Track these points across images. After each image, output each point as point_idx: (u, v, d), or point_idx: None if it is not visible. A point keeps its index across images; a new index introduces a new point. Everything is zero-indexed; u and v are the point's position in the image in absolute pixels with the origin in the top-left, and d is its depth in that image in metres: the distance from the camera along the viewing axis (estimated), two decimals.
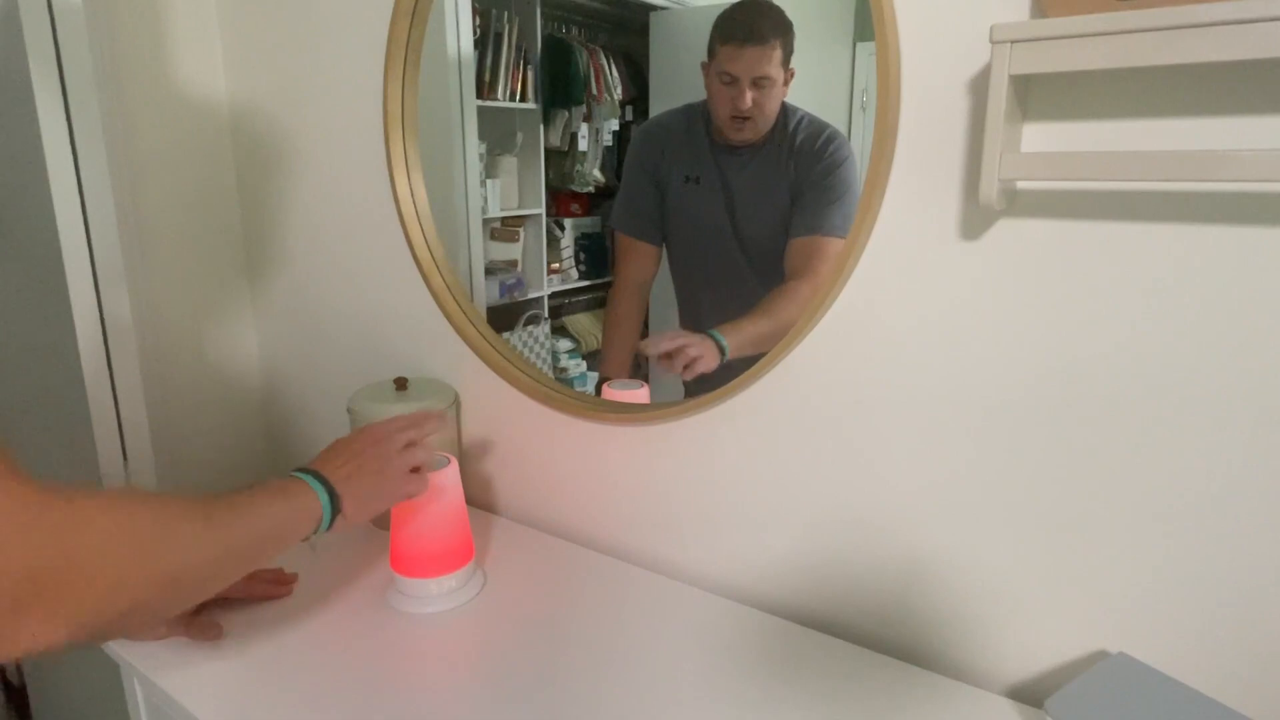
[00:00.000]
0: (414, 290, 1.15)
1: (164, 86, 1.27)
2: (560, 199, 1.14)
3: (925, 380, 0.77)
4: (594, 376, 1.12)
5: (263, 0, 1.25)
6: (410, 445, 0.84)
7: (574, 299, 1.18)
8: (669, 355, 0.95)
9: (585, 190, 1.12)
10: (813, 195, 0.85)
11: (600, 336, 1.10)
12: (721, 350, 0.91)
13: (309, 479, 0.76)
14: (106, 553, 0.55)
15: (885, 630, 0.86)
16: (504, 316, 1.14)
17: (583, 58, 1.07)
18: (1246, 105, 0.59)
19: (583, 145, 1.08)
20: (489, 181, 1.14)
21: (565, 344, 1.16)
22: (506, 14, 1.08)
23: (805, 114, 0.84)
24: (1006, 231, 0.71)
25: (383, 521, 1.05)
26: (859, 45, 0.78)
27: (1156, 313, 0.66)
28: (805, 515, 0.88)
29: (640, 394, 1.03)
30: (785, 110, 0.85)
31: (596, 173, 1.10)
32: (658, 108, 0.96)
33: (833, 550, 0.87)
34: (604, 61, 1.06)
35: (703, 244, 0.97)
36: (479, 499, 1.19)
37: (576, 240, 1.17)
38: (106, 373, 1.23)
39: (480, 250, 1.15)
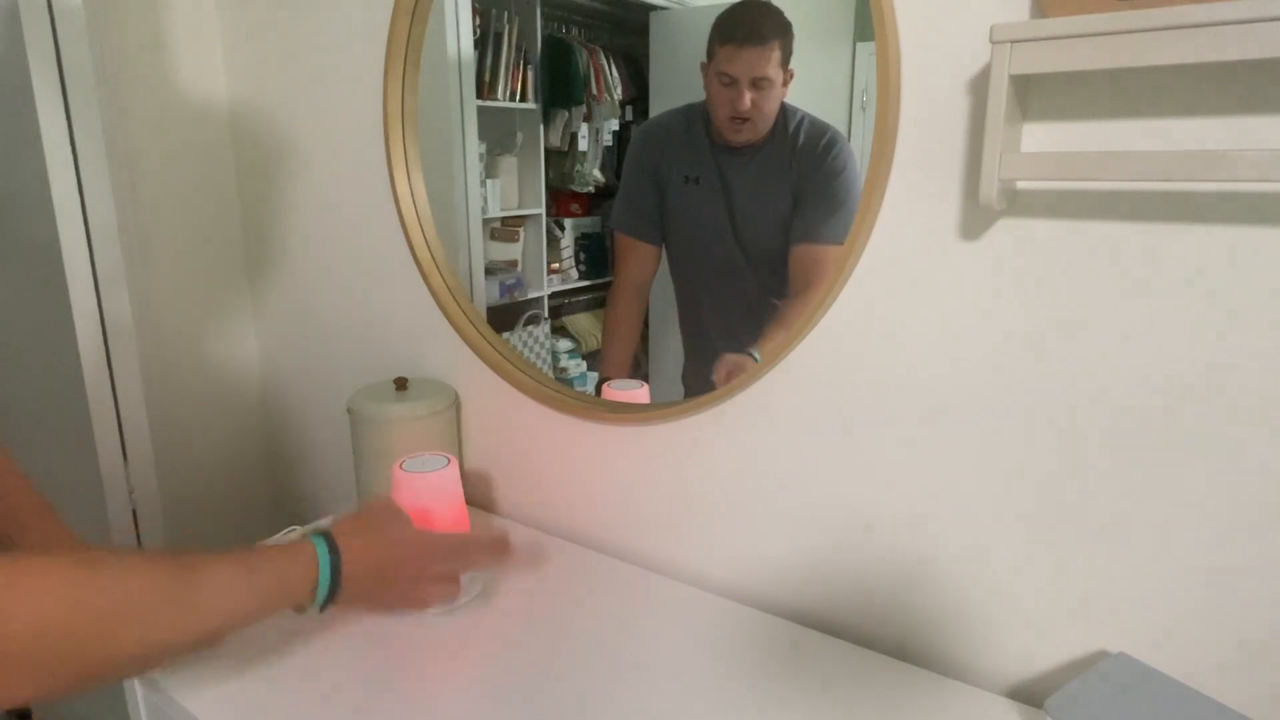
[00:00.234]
0: (414, 290, 1.15)
1: (164, 87, 1.28)
2: (560, 199, 1.14)
3: (925, 380, 0.77)
4: (594, 376, 1.12)
5: (263, 0, 1.25)
6: (451, 572, 0.82)
7: (574, 299, 1.18)
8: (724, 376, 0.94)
9: (585, 190, 1.12)
10: (815, 202, 0.85)
11: (600, 336, 1.10)
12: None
13: (322, 552, 0.70)
14: (27, 632, 0.50)
15: (885, 630, 0.86)
16: (504, 316, 1.14)
17: (583, 58, 1.06)
18: (1246, 105, 0.59)
19: (583, 145, 1.08)
20: (489, 181, 1.14)
21: (565, 344, 1.16)
22: (506, 14, 1.08)
23: (806, 115, 0.84)
24: (1006, 231, 0.71)
25: None
26: (859, 45, 0.78)
27: (1156, 313, 0.66)
28: (805, 515, 0.88)
29: (640, 394, 1.03)
30: (785, 111, 0.84)
31: (596, 173, 1.10)
32: (658, 108, 0.96)
33: (833, 550, 0.87)
34: (604, 61, 1.06)
35: (702, 244, 0.97)
36: (479, 499, 1.19)
37: (576, 240, 1.17)
38: (106, 373, 1.23)
39: (480, 250, 1.15)
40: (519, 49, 1.09)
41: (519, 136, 1.13)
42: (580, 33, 1.08)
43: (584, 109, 1.07)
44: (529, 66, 1.09)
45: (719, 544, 0.96)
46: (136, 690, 0.88)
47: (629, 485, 1.02)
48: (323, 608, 0.71)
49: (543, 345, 1.16)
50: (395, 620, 0.88)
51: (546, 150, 1.11)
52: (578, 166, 1.10)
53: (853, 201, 0.78)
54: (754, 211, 0.91)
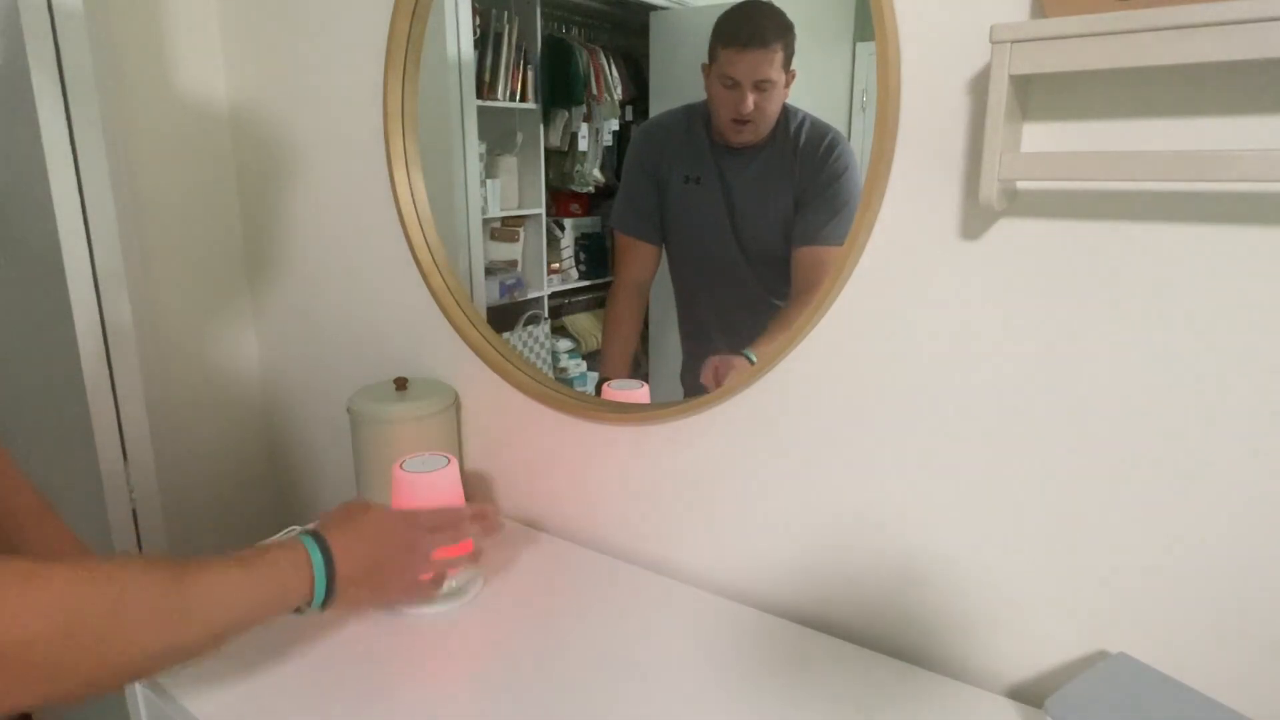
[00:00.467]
0: (414, 290, 1.15)
1: (164, 86, 1.28)
2: (560, 199, 1.14)
3: (925, 379, 0.77)
4: (594, 376, 1.12)
5: (263, 0, 1.25)
6: (440, 546, 0.82)
7: (574, 299, 1.18)
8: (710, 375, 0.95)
9: (585, 190, 1.12)
10: (817, 204, 0.85)
11: (600, 336, 1.10)
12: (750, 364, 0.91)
13: (317, 564, 0.70)
14: (32, 637, 0.50)
15: (885, 630, 0.86)
16: (504, 316, 1.14)
17: (583, 58, 1.07)
18: (1246, 105, 0.59)
19: (583, 145, 1.08)
20: (489, 181, 1.14)
21: (565, 344, 1.16)
22: (506, 14, 1.08)
23: (807, 115, 0.84)
24: (1006, 231, 0.71)
25: None
26: (859, 45, 0.78)
27: (1157, 313, 0.66)
28: (805, 515, 0.88)
29: (640, 394, 1.03)
30: (786, 111, 0.84)
31: (596, 173, 1.10)
32: (658, 108, 0.96)
33: (833, 550, 0.87)
34: (604, 61, 1.06)
35: (703, 244, 0.97)
36: (479, 499, 1.19)
37: (576, 240, 1.17)
38: (106, 373, 1.23)
39: (480, 250, 1.15)
40: (519, 49, 1.09)
41: (519, 136, 1.13)
42: (580, 33, 1.08)
43: (584, 109, 1.07)
44: (529, 66, 1.09)
45: (719, 544, 0.96)
46: (137, 691, 0.88)
47: (629, 485, 1.02)
48: (321, 608, 0.72)
49: (543, 345, 1.16)
50: (395, 619, 0.88)
51: (546, 150, 1.11)
52: (578, 166, 1.10)
53: (854, 203, 0.78)
54: (754, 212, 0.91)
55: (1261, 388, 0.63)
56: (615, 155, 1.06)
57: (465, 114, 1.11)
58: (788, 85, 0.83)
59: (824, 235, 0.84)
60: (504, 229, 1.17)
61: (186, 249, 1.35)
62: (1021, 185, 0.69)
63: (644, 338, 1.05)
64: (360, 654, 0.83)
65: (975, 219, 0.72)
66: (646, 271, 1.01)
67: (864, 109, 0.79)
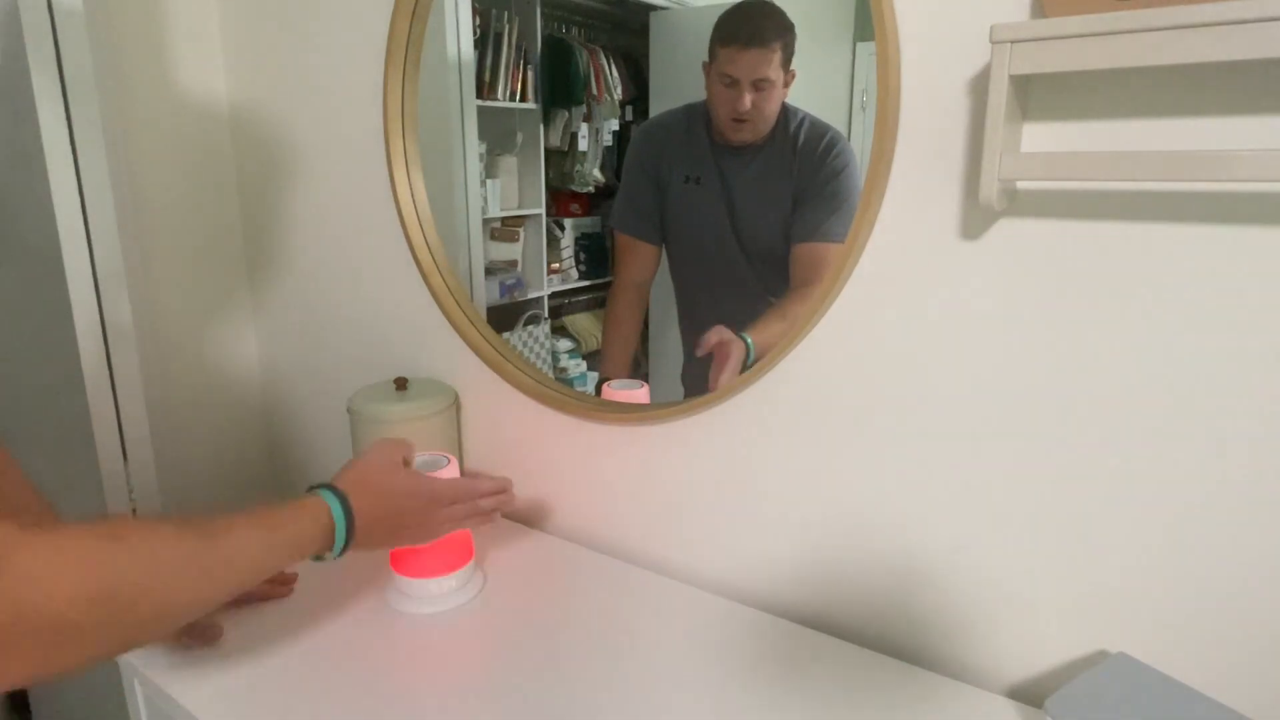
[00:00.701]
0: (414, 290, 1.15)
1: (164, 86, 1.27)
2: (560, 199, 1.14)
3: (925, 380, 0.77)
4: (594, 376, 1.12)
5: (263, 0, 1.25)
6: (456, 518, 0.85)
7: (574, 299, 1.18)
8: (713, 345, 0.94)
9: (585, 190, 1.12)
10: (816, 201, 0.85)
11: (600, 336, 1.10)
12: (747, 350, 0.91)
13: (337, 511, 0.74)
14: (79, 597, 0.52)
15: (885, 630, 0.86)
16: (504, 316, 1.14)
17: (583, 58, 1.07)
18: (1246, 105, 0.59)
19: (583, 145, 1.08)
20: (489, 181, 1.14)
21: (565, 344, 1.16)
22: (506, 14, 1.08)
23: (806, 115, 0.84)
24: (1006, 231, 0.71)
25: None
26: (859, 45, 0.78)
27: (1157, 313, 0.66)
28: (805, 515, 0.88)
29: (640, 394, 1.03)
30: (786, 111, 0.84)
31: (596, 173, 1.10)
32: (658, 108, 0.96)
33: (833, 550, 0.87)
34: (604, 61, 1.06)
35: (703, 244, 0.97)
36: None
37: (576, 240, 1.17)
38: (106, 373, 1.23)
39: (480, 250, 1.15)
40: (519, 49, 1.09)
41: (519, 136, 1.13)
42: (580, 33, 1.08)
43: (584, 109, 1.07)
44: (529, 66, 1.10)
45: (719, 543, 0.96)
46: (136, 690, 0.88)
47: (629, 485, 1.02)
48: (340, 554, 0.75)
49: (543, 345, 1.16)
50: (395, 619, 0.88)
51: (546, 150, 1.11)
52: (578, 166, 1.10)
53: (854, 200, 0.78)
54: (754, 211, 0.91)
55: (1262, 388, 0.63)
56: (615, 155, 1.06)
57: (465, 114, 1.11)
58: (787, 85, 0.83)
59: (822, 231, 0.84)
60: (504, 229, 1.17)
61: (186, 249, 1.35)
62: (1021, 185, 0.69)
63: (644, 338, 1.05)
64: (360, 653, 0.83)
65: (975, 219, 0.72)
66: (646, 271, 1.01)
67: (864, 109, 0.79)
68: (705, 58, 0.87)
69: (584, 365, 1.14)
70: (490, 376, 1.10)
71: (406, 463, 0.85)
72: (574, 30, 1.09)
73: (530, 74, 1.10)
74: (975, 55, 0.68)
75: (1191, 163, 0.57)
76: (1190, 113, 0.61)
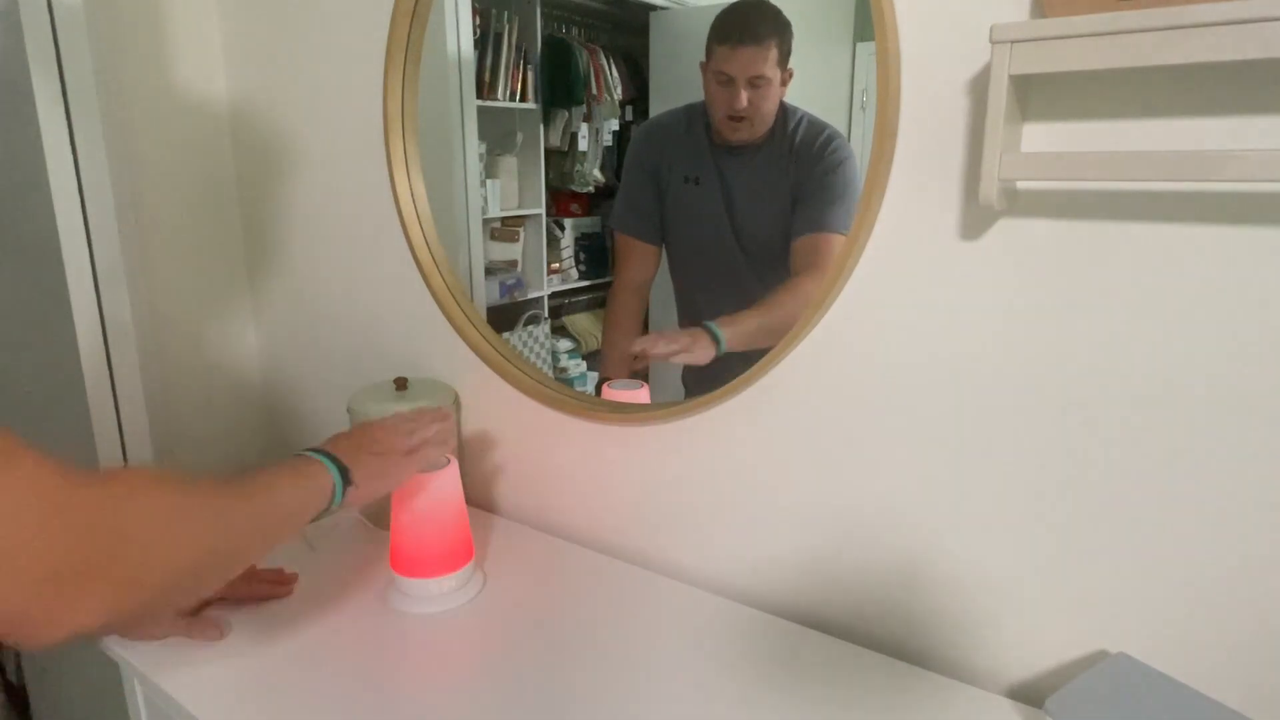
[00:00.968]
0: (414, 290, 1.15)
1: (164, 86, 1.28)
2: (560, 199, 1.14)
3: (925, 380, 0.77)
4: (594, 376, 1.12)
5: (263, 0, 1.25)
6: (412, 440, 0.87)
7: (574, 299, 1.18)
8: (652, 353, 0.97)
9: (585, 190, 1.12)
10: (814, 195, 0.85)
11: (600, 336, 1.10)
12: (716, 342, 0.91)
13: (320, 457, 0.78)
14: (143, 529, 0.56)
15: (885, 630, 0.86)
16: (504, 316, 1.14)
17: (583, 58, 1.07)
18: (1246, 105, 0.59)
19: (583, 145, 1.08)
20: (489, 181, 1.14)
21: (565, 344, 1.16)
22: (506, 14, 1.08)
23: (805, 114, 0.84)
24: (1007, 231, 0.71)
25: (383, 522, 1.06)
26: (859, 45, 0.78)
27: (1157, 313, 0.66)
28: (806, 515, 0.88)
29: (640, 394, 1.03)
30: (785, 110, 0.84)
31: (596, 173, 1.10)
32: (658, 108, 0.96)
33: (833, 550, 0.87)
34: (604, 61, 1.06)
35: (702, 244, 0.97)
36: (479, 499, 1.19)
37: (576, 240, 1.18)
38: (106, 373, 1.23)
39: (480, 250, 1.15)
40: (519, 49, 1.09)
41: (519, 136, 1.13)
42: (580, 33, 1.09)
43: (584, 109, 1.07)
44: (529, 66, 1.10)
45: (718, 543, 0.96)
46: (136, 690, 0.88)
47: (628, 485, 1.02)
48: (343, 492, 0.78)
49: (543, 345, 1.16)
50: (395, 618, 0.88)
51: (546, 150, 1.11)
52: (578, 166, 1.10)
53: (851, 193, 0.78)
54: (753, 211, 0.91)
55: (1262, 388, 0.63)
56: (615, 155, 1.06)
57: (465, 114, 1.11)
58: (784, 84, 0.83)
59: (820, 223, 0.84)
60: (504, 229, 1.17)
61: (186, 248, 1.35)
62: (1021, 185, 0.69)
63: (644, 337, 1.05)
64: (360, 653, 0.83)
65: (975, 219, 0.72)
66: (646, 272, 1.01)
67: (864, 109, 0.79)
68: (703, 57, 0.87)
69: (584, 365, 1.14)
70: (490, 376, 1.10)
71: None
72: (574, 30, 1.09)
73: (530, 74, 1.10)
74: (975, 55, 0.68)
75: (1191, 163, 0.57)
76: (1190, 113, 0.61)
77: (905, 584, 0.83)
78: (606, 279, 1.08)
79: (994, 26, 0.60)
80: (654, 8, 0.94)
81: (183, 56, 1.29)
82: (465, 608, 0.91)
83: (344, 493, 0.77)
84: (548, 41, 1.08)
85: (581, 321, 1.18)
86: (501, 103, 1.11)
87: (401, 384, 1.11)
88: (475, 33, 1.08)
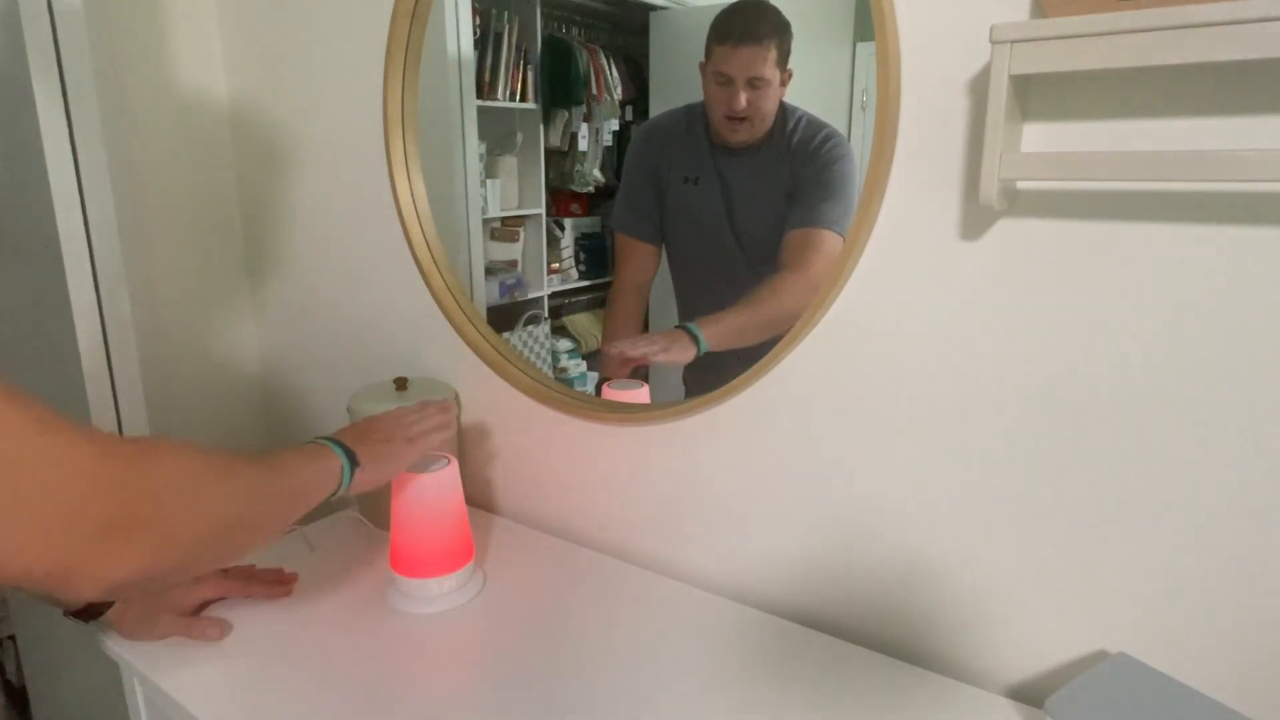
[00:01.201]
0: (414, 290, 1.15)
1: (164, 86, 1.28)
2: (560, 199, 1.14)
3: (925, 380, 0.77)
4: (594, 376, 1.12)
5: (263, 0, 1.25)
6: (414, 429, 0.89)
7: (574, 299, 1.18)
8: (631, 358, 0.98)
9: (585, 190, 1.12)
10: (808, 191, 0.85)
11: (600, 336, 1.10)
12: (696, 342, 0.92)
13: (328, 443, 0.80)
14: (179, 489, 0.59)
15: (885, 630, 0.86)
16: (504, 316, 1.14)
17: (583, 58, 1.07)
18: (1246, 105, 0.59)
19: (583, 145, 1.08)
20: (489, 181, 1.14)
21: (565, 344, 1.16)
22: (506, 14, 1.08)
23: (805, 114, 0.84)
24: (1007, 231, 0.71)
25: (383, 522, 1.06)
26: (859, 45, 0.78)
27: (1157, 313, 0.66)
28: (805, 515, 0.88)
29: (640, 394, 1.03)
30: (784, 110, 0.84)
31: (596, 173, 1.10)
32: (658, 108, 0.96)
33: (833, 550, 0.87)
34: (604, 61, 1.06)
35: (702, 244, 0.97)
36: (479, 499, 1.19)
37: (576, 240, 1.17)
38: (106, 372, 1.23)
39: (480, 250, 1.15)
40: (519, 49, 1.09)
41: (519, 136, 1.13)
42: (580, 33, 1.08)
43: (584, 109, 1.07)
44: (529, 66, 1.10)
45: (718, 544, 0.96)
46: (136, 690, 0.88)
47: (629, 485, 1.02)
48: (351, 475, 0.80)
49: (543, 345, 1.16)
50: (395, 618, 0.88)
51: (546, 150, 1.11)
52: (578, 166, 1.10)
53: (846, 191, 0.78)
54: (752, 211, 0.91)
55: (1263, 388, 0.63)
56: (615, 155, 1.06)
57: (465, 114, 1.11)
58: (784, 84, 0.83)
59: (811, 218, 0.84)
60: (504, 229, 1.17)
61: (186, 248, 1.35)
62: (1021, 185, 0.69)
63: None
64: (361, 653, 0.83)
65: (975, 219, 0.72)
66: (646, 272, 1.01)
67: (864, 109, 0.79)
68: (702, 58, 0.87)
69: (584, 365, 1.14)
70: (490, 376, 1.10)
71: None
72: (574, 30, 1.09)
73: (530, 74, 1.10)
74: (975, 55, 0.68)
75: (1191, 163, 0.57)
76: (1190, 113, 0.61)
77: (905, 584, 0.83)
78: (606, 279, 1.08)
79: (994, 26, 0.60)
80: (654, 8, 0.94)
81: (183, 56, 1.29)
82: (465, 608, 0.91)
83: (352, 475, 0.79)
84: (548, 41, 1.08)
85: (581, 321, 1.18)
86: (501, 103, 1.11)
87: (401, 384, 1.11)
88: (475, 33, 1.08)
